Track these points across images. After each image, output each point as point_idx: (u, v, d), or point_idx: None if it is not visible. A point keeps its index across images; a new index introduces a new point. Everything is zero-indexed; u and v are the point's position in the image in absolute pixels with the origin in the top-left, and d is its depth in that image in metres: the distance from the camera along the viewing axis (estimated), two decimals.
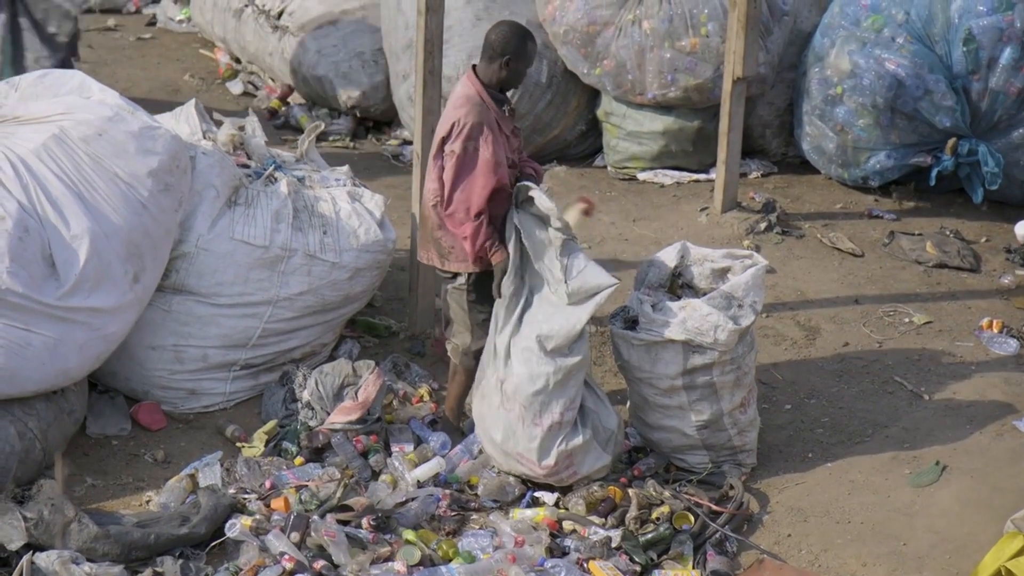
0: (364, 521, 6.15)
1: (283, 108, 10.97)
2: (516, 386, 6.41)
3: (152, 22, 13.05)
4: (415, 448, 6.75)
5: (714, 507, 6.43)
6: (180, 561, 5.85)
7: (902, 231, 9.13)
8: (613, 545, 6.19)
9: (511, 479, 6.58)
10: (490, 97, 6.55)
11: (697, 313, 6.45)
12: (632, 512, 6.37)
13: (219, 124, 7.69)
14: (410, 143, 10.12)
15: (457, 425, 6.93)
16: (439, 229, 6.63)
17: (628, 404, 6.95)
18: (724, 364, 6.51)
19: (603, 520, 6.38)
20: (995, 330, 8.02)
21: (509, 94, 6.76)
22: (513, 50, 6.51)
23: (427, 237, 6.75)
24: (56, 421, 6.38)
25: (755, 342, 6.75)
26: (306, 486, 6.38)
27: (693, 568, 6.16)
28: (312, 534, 6.02)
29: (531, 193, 6.41)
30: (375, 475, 6.59)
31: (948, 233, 9.13)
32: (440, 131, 6.56)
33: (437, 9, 7.28)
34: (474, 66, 6.65)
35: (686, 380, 6.52)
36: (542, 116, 9.94)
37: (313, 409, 6.85)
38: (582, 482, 6.54)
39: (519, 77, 6.63)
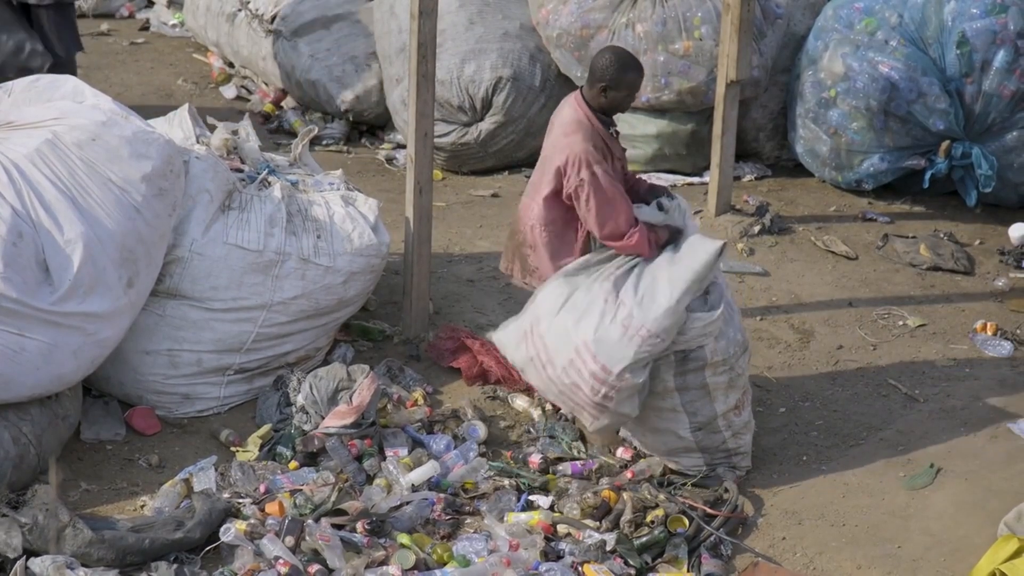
0: (359, 525, 6.15)
1: (276, 112, 10.97)
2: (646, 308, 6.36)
3: (145, 27, 13.04)
4: (410, 452, 6.76)
5: (709, 510, 6.43)
6: (175, 566, 5.85)
7: (896, 234, 9.14)
8: (608, 548, 6.19)
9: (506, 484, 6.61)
10: (597, 120, 6.63)
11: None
12: (627, 515, 6.37)
13: (212, 129, 7.69)
14: (403, 147, 10.13)
15: None
16: (528, 247, 6.84)
17: None
18: (716, 365, 6.51)
19: (598, 524, 6.38)
20: (989, 333, 8.03)
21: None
22: (610, 78, 6.56)
23: (514, 251, 6.95)
24: (50, 426, 6.38)
25: (748, 344, 6.75)
26: (301, 490, 6.38)
27: (688, 571, 6.17)
28: (307, 538, 6.01)
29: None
30: (369, 479, 6.59)
31: (942, 236, 9.14)
32: (554, 159, 6.64)
33: (430, 13, 7.27)
34: (581, 88, 6.73)
35: (679, 382, 6.53)
36: (536, 120, 9.94)
37: (307, 413, 6.85)
38: (580, 488, 6.56)
39: (618, 105, 6.66)
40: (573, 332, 6.48)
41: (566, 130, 6.64)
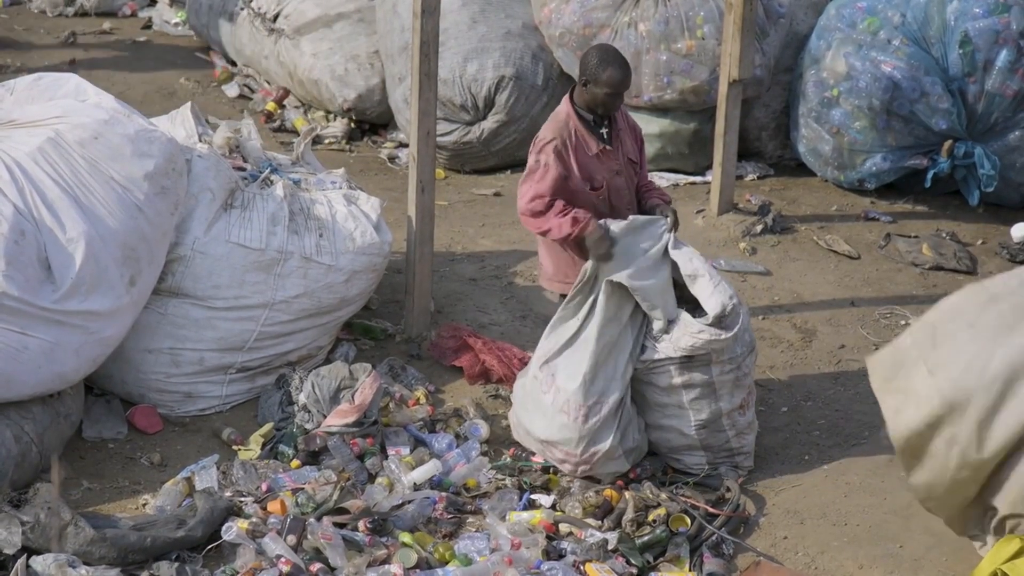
0: (361, 524, 6.15)
1: (279, 111, 10.97)
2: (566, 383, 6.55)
3: (147, 25, 13.04)
4: (412, 451, 6.75)
5: (711, 509, 6.43)
6: (176, 564, 5.85)
7: (898, 233, 9.14)
8: (609, 547, 6.20)
9: (508, 483, 6.62)
10: (577, 117, 6.69)
11: (689, 331, 6.46)
12: (629, 514, 6.37)
13: (215, 127, 7.69)
14: (406, 146, 10.12)
15: None
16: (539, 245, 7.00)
17: None
18: (723, 363, 6.52)
19: (599, 523, 6.38)
20: None
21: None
22: (590, 73, 6.62)
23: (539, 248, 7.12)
24: (52, 425, 6.38)
25: (755, 344, 6.76)
26: (302, 489, 6.38)
27: (689, 570, 6.17)
28: (309, 537, 6.02)
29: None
30: (371, 478, 6.59)
31: (944, 235, 9.14)
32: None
33: (433, 12, 7.27)
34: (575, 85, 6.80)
35: (684, 379, 6.53)
36: (538, 119, 9.92)
37: (309, 412, 6.85)
38: (581, 487, 6.57)
39: (601, 102, 6.67)
40: (532, 430, 6.70)
41: (549, 118, 6.82)
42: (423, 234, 7.60)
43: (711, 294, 6.51)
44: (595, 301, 6.55)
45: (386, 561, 6.02)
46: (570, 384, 6.53)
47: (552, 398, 6.58)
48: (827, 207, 9.60)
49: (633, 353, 6.54)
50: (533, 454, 6.81)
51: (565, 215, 6.55)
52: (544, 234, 6.69)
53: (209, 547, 6.02)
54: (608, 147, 6.75)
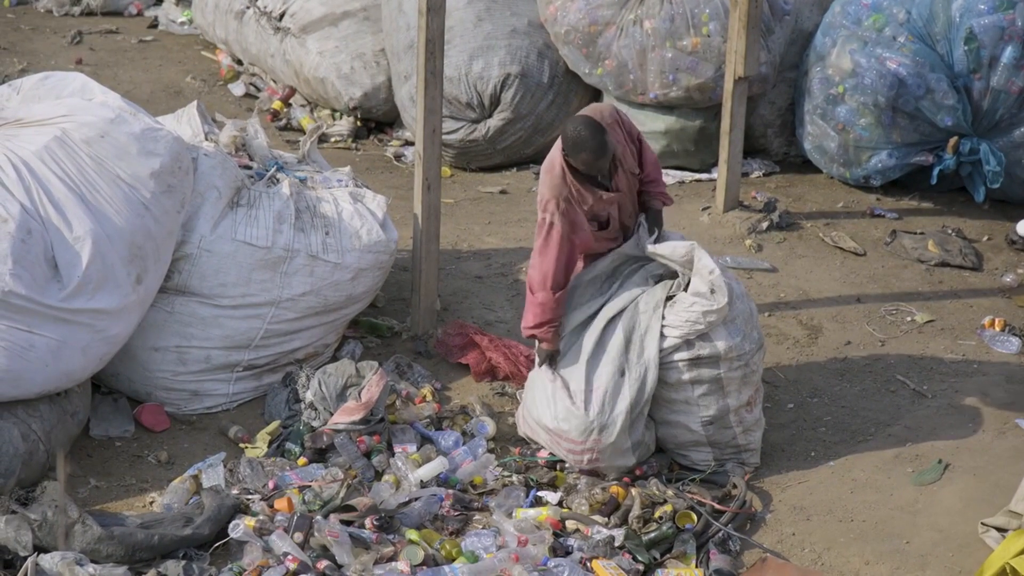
0: (367, 521, 6.16)
1: (285, 110, 10.97)
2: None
3: (154, 24, 13.06)
4: (418, 448, 6.76)
5: (717, 506, 6.44)
6: (184, 562, 5.86)
7: (904, 230, 9.13)
8: (616, 544, 6.20)
9: (515, 480, 6.63)
10: (572, 171, 6.57)
11: (681, 306, 6.49)
12: (635, 511, 6.38)
13: (221, 126, 7.70)
14: (412, 144, 10.13)
15: None
16: None
17: None
18: (732, 360, 6.53)
19: (606, 519, 6.39)
20: (997, 329, 8.02)
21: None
22: (568, 149, 6.51)
23: None
24: (59, 423, 6.39)
25: (763, 341, 6.77)
26: (309, 486, 6.39)
27: (696, 567, 6.17)
28: (315, 534, 6.03)
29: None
30: (378, 475, 6.60)
31: (950, 232, 9.13)
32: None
33: (438, 10, 7.28)
34: None
35: (693, 375, 6.54)
36: (544, 116, 9.95)
37: (316, 410, 6.86)
38: (588, 484, 6.58)
39: (583, 169, 6.55)
40: (542, 419, 6.71)
41: (544, 168, 6.68)
42: (429, 232, 7.60)
43: (698, 270, 6.58)
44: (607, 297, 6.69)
45: (393, 558, 6.03)
46: (577, 372, 6.59)
47: (562, 386, 6.62)
48: (833, 204, 9.60)
49: (631, 344, 6.56)
50: (539, 449, 6.83)
51: (552, 313, 6.66)
52: (532, 303, 6.72)
53: (216, 545, 6.03)
54: (607, 192, 6.68)
